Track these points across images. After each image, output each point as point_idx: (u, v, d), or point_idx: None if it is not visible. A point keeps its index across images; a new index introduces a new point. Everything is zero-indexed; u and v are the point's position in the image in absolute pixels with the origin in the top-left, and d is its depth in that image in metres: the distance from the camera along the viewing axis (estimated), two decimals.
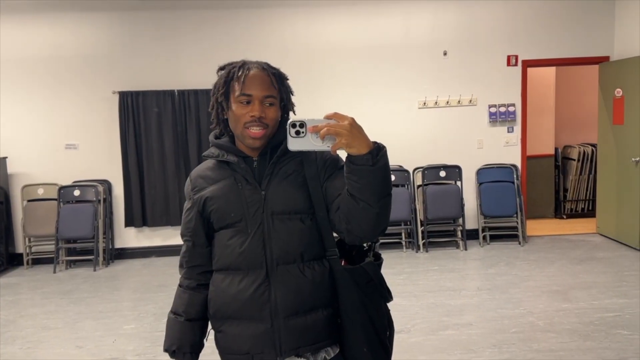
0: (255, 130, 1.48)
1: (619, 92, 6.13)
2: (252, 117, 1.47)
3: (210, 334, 1.67)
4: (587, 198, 7.67)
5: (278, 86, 1.52)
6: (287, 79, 1.59)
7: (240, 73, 1.50)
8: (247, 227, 1.52)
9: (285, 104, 1.57)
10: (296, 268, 1.52)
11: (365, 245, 1.59)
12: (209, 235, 1.62)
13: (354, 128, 1.28)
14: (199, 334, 1.66)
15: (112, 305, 4.85)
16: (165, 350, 1.66)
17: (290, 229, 1.52)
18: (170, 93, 6.27)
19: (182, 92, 6.25)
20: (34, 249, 6.38)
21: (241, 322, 1.53)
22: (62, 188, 6.21)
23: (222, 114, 1.57)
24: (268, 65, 1.55)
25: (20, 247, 6.37)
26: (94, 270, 6.05)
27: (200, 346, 1.68)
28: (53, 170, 6.36)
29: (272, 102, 1.51)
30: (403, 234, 6.38)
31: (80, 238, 6.23)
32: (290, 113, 1.63)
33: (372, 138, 1.33)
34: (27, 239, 6.29)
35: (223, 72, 1.56)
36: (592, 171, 7.53)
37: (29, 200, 6.29)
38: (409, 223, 6.33)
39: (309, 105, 6.19)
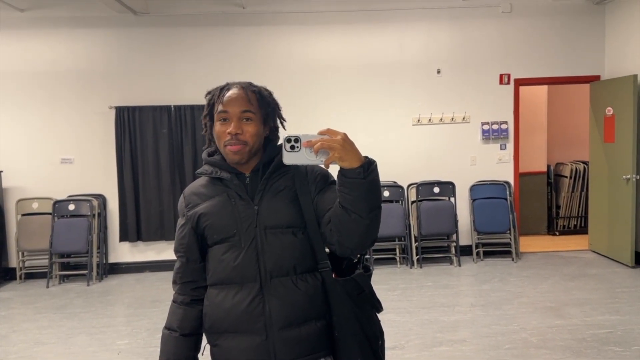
0: (233, 146, 1.55)
1: (609, 111, 6.22)
2: (228, 133, 1.54)
3: (206, 349, 1.69)
4: (580, 215, 7.73)
5: (257, 102, 1.58)
6: (268, 95, 1.64)
7: (220, 94, 1.58)
8: (241, 241, 1.57)
9: (267, 119, 1.61)
10: (289, 281, 1.56)
11: (354, 258, 1.64)
12: (203, 251, 1.65)
13: (347, 143, 1.35)
14: (193, 349, 1.68)
15: (105, 321, 4.83)
16: None
17: (283, 242, 1.56)
18: (167, 108, 6.31)
19: (178, 108, 6.29)
20: (27, 263, 6.36)
21: (236, 335, 1.56)
22: (56, 202, 6.21)
23: (211, 134, 1.64)
24: (249, 84, 1.62)
25: (14, 261, 6.34)
26: (88, 285, 6.03)
27: None
28: (48, 184, 6.36)
29: (250, 117, 1.56)
30: (397, 250, 6.40)
31: (74, 252, 6.21)
32: (283, 127, 1.69)
33: (367, 154, 1.40)
34: (20, 253, 6.27)
35: (209, 96, 1.64)
36: (584, 188, 7.60)
37: (23, 215, 6.28)
38: (403, 239, 6.36)
39: (305, 122, 6.29)
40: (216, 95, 1.59)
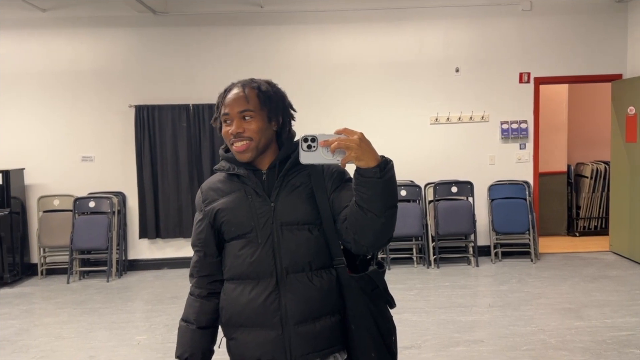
0: (238, 145, 1.57)
1: (632, 110, 6.12)
2: (231, 134, 1.57)
3: (222, 342, 1.71)
4: (600, 216, 7.62)
5: (257, 99, 1.58)
6: (270, 89, 1.62)
7: (224, 96, 1.62)
8: (258, 237, 1.59)
9: (272, 114, 1.61)
10: (305, 277, 1.58)
11: (368, 255, 1.66)
12: (220, 246, 1.68)
13: (363, 142, 1.36)
14: (209, 341, 1.71)
15: (124, 316, 4.89)
16: (177, 357, 1.70)
17: (299, 239, 1.58)
18: (185, 107, 6.36)
19: (196, 107, 6.35)
20: (48, 259, 6.46)
21: (252, 329, 1.59)
22: (77, 199, 6.30)
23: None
24: (250, 80, 1.63)
25: (35, 257, 6.45)
26: (107, 281, 6.11)
27: (210, 353, 1.72)
28: (69, 181, 6.46)
29: (250, 115, 1.58)
30: (414, 250, 6.37)
31: (94, 249, 6.31)
32: (299, 122, 1.71)
33: (384, 153, 1.41)
34: (42, 249, 6.38)
35: (218, 99, 1.67)
36: (604, 189, 7.48)
37: (44, 211, 6.39)
38: (420, 238, 6.33)
39: (323, 121, 6.31)
40: (221, 97, 1.63)
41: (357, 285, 1.59)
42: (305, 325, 1.57)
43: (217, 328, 1.72)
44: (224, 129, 1.60)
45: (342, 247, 1.62)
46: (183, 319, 1.72)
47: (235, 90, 1.60)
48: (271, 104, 1.61)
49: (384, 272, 1.66)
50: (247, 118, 1.57)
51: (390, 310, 1.67)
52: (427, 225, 6.37)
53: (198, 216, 1.70)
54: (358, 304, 1.58)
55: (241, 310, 1.60)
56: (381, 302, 1.63)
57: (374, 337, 1.59)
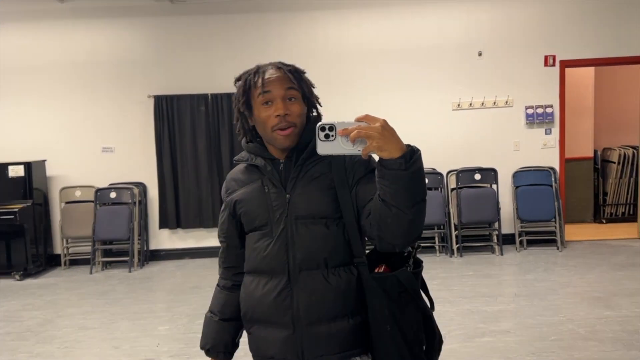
0: (284, 130, 1.46)
1: None
2: (277, 116, 1.45)
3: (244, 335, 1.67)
4: (628, 202, 7.42)
5: (297, 81, 1.49)
6: (304, 73, 1.56)
7: (256, 78, 1.49)
8: (272, 231, 1.50)
9: (308, 98, 1.53)
10: (320, 274, 1.47)
11: (405, 250, 1.52)
12: (243, 237, 1.62)
13: (386, 130, 1.23)
14: (233, 334, 1.67)
15: (146, 307, 4.90)
16: (201, 348, 1.69)
17: (314, 234, 1.48)
18: (204, 97, 6.33)
19: (215, 96, 6.31)
20: (71, 250, 6.52)
21: (267, 326, 1.52)
22: (98, 190, 6.33)
23: (247, 124, 1.56)
24: (282, 63, 1.52)
25: (58, 248, 6.51)
26: (129, 271, 6.14)
27: (234, 346, 1.69)
28: (90, 172, 6.49)
29: (294, 95, 1.48)
30: (436, 238, 6.28)
31: (116, 239, 6.34)
32: (320, 109, 1.60)
33: (404, 140, 1.27)
34: (64, 240, 6.44)
35: (240, 82, 1.55)
36: (633, 174, 7.28)
37: (66, 202, 6.43)
38: (442, 227, 6.23)
39: (341, 108, 6.17)
40: (251, 79, 1.50)
41: (379, 287, 1.45)
42: (319, 326, 1.46)
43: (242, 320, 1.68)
44: (264, 112, 1.47)
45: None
46: (209, 310, 1.70)
47: (272, 71, 1.48)
48: (307, 86, 1.53)
49: (419, 272, 1.50)
50: (292, 99, 1.47)
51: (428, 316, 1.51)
52: (449, 213, 6.27)
53: (223, 206, 1.65)
54: (379, 307, 1.44)
55: (256, 304, 1.53)
56: (410, 307, 1.45)
57: (398, 344, 1.43)
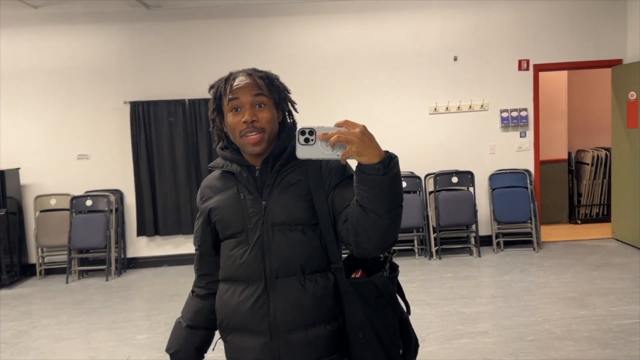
0: (252, 136, 1.46)
1: (632, 95, 6.05)
2: (244, 123, 1.45)
3: (218, 344, 1.67)
4: (602, 203, 7.57)
5: (267, 87, 1.50)
6: (277, 79, 1.56)
7: (226, 85, 1.50)
8: (248, 238, 1.50)
9: (279, 104, 1.53)
10: (297, 281, 1.47)
11: (381, 255, 1.53)
12: (217, 245, 1.62)
13: (365, 136, 1.24)
14: (199, 342, 1.66)
15: (124, 315, 4.84)
16: (166, 351, 1.69)
17: (291, 240, 1.48)
18: (181, 103, 6.29)
19: (192, 102, 6.27)
20: (46, 259, 6.41)
21: (244, 334, 1.52)
22: (74, 198, 6.24)
23: (222, 131, 1.57)
24: (254, 70, 1.53)
25: (33, 257, 6.39)
26: (107, 280, 6.06)
27: (199, 355, 1.68)
28: (65, 180, 6.39)
29: (263, 102, 1.48)
30: (415, 241, 6.32)
31: (93, 248, 6.25)
32: (296, 115, 1.61)
33: (383, 144, 1.29)
34: (39, 249, 6.32)
35: (213, 89, 1.55)
36: (606, 175, 7.43)
37: (41, 211, 6.32)
38: (421, 230, 6.28)
39: (319, 113, 6.22)
40: (222, 87, 1.51)
41: (355, 292, 1.46)
42: (297, 332, 1.46)
43: (212, 331, 1.68)
44: (232, 118, 1.48)
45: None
46: (180, 315, 1.71)
47: (242, 77, 1.49)
48: (279, 92, 1.53)
49: (394, 277, 1.51)
50: (261, 106, 1.47)
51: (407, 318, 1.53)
52: (428, 216, 6.32)
53: (198, 214, 1.65)
54: (356, 313, 1.46)
55: (232, 313, 1.53)
56: (387, 311, 1.47)
57: (374, 349, 1.45)
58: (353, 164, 1.34)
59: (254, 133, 1.46)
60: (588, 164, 7.52)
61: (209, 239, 1.62)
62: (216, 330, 1.66)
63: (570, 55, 6.45)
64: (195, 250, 1.67)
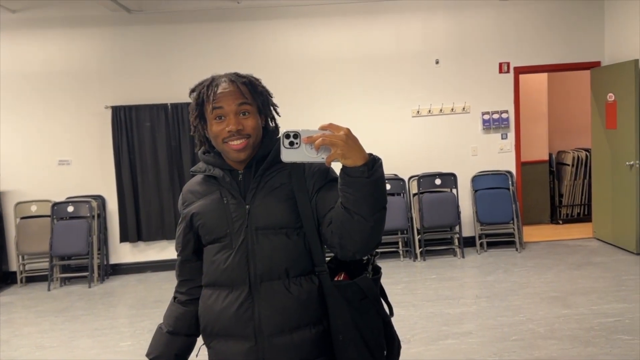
0: (236, 143, 1.46)
1: (611, 97, 6.15)
2: (229, 132, 1.45)
3: (201, 350, 1.66)
4: (583, 203, 7.67)
5: (251, 94, 1.49)
6: (260, 83, 1.55)
7: (209, 92, 1.48)
8: (232, 242, 1.50)
9: (262, 109, 1.53)
10: (281, 285, 1.47)
11: (364, 258, 1.54)
12: (200, 250, 1.60)
13: (350, 139, 1.25)
14: (179, 348, 1.65)
15: (108, 323, 4.78)
16: (146, 355, 1.68)
17: (275, 244, 1.48)
18: (164, 107, 6.25)
19: (175, 106, 6.24)
20: (27, 267, 6.31)
21: (228, 339, 1.51)
22: (55, 204, 6.16)
23: (203, 136, 1.56)
24: (237, 75, 1.52)
25: (14, 265, 6.29)
26: (89, 287, 5.99)
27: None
28: (46, 186, 6.31)
29: (247, 110, 1.48)
30: (400, 243, 6.35)
31: (75, 254, 6.17)
32: (279, 118, 1.61)
33: (367, 147, 1.31)
34: (20, 256, 6.22)
35: (194, 94, 1.54)
36: (586, 176, 7.54)
37: (22, 218, 6.23)
38: (405, 232, 6.31)
39: (303, 116, 6.22)
40: (204, 93, 1.50)
41: (340, 295, 1.46)
42: (282, 336, 1.46)
43: (193, 337, 1.66)
44: (217, 127, 1.47)
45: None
46: (162, 321, 1.70)
47: (225, 84, 1.47)
48: (262, 98, 1.53)
49: (378, 279, 1.52)
50: (245, 114, 1.47)
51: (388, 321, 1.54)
52: (412, 218, 6.35)
53: (180, 219, 1.64)
54: (341, 315, 1.46)
55: (215, 318, 1.52)
56: (371, 313, 1.48)
57: (360, 351, 1.46)
58: (337, 167, 1.34)
59: (238, 140, 1.46)
60: (569, 165, 7.63)
61: (191, 244, 1.61)
62: (198, 336, 1.65)
63: (549, 58, 6.54)
64: (178, 255, 1.65)
